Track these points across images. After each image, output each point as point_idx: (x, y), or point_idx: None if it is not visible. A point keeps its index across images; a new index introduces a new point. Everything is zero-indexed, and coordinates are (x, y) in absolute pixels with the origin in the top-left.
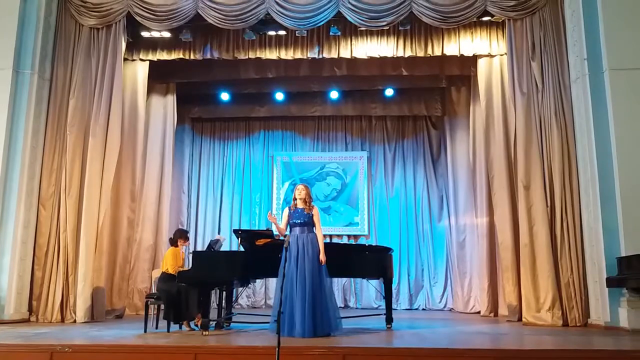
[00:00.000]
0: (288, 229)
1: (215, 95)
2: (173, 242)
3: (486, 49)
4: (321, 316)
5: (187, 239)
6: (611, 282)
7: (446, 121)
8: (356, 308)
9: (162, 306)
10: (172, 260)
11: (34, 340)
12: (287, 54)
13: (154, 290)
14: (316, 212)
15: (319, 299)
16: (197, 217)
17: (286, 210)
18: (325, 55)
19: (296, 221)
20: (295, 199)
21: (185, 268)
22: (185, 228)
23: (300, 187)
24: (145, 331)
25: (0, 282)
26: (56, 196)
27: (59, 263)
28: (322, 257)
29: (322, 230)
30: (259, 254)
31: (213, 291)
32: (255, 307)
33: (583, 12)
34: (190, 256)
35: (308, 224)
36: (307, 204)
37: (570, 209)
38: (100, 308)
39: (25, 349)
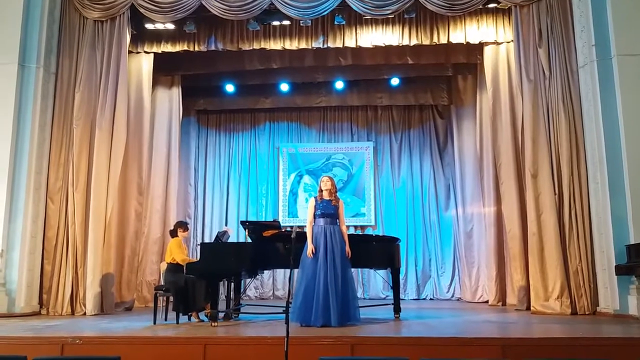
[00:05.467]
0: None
1: (220, 87)
2: (174, 234)
3: (492, 37)
4: (348, 305)
5: (186, 229)
6: (620, 270)
7: (453, 110)
8: (364, 298)
9: (171, 298)
10: (178, 250)
11: (45, 332)
12: (292, 44)
13: (162, 282)
14: (341, 205)
15: (347, 289)
16: (204, 209)
17: (312, 201)
18: (330, 44)
19: (323, 212)
20: (321, 190)
21: (193, 259)
22: (186, 220)
23: (325, 178)
24: (154, 323)
25: (10, 275)
26: (64, 190)
27: (68, 256)
28: (349, 249)
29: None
30: (267, 245)
31: (221, 282)
32: (263, 298)
33: None
34: (198, 248)
35: (333, 215)
36: (334, 195)
37: (578, 197)
38: (110, 300)
39: (36, 342)
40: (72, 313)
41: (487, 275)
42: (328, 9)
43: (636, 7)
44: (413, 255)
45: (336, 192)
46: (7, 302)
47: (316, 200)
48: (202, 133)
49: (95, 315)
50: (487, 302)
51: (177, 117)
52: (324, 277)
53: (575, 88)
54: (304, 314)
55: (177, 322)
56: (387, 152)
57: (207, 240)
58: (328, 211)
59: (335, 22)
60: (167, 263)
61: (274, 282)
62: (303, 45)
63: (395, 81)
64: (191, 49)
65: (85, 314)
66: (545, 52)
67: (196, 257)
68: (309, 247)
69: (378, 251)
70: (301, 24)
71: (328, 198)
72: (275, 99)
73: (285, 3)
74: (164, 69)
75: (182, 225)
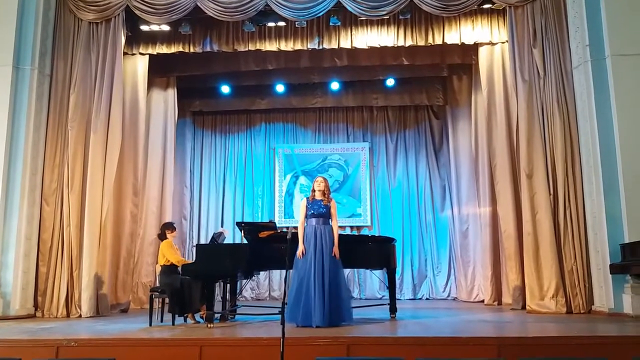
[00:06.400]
0: (305, 220)
1: (215, 88)
2: (162, 237)
3: (487, 37)
4: (337, 306)
5: (174, 229)
6: (615, 269)
7: (448, 110)
8: (360, 298)
9: (167, 299)
10: (170, 251)
11: (40, 335)
12: (287, 45)
13: (158, 284)
14: (334, 205)
15: (338, 289)
16: (200, 211)
17: (304, 201)
18: (326, 46)
19: (314, 212)
20: (314, 190)
21: (188, 261)
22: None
23: (319, 179)
24: (150, 325)
25: (5, 278)
26: (59, 191)
27: (63, 258)
28: (336, 250)
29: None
30: (263, 246)
31: (217, 284)
32: (259, 299)
33: None
34: (194, 249)
35: (325, 215)
36: (326, 196)
37: (573, 196)
38: (105, 302)
39: (32, 344)
40: (68, 315)
41: (483, 275)
42: (323, 10)
43: (630, 7)
44: (409, 255)
45: (329, 192)
46: (1, 304)
47: (308, 201)
48: (198, 134)
49: (90, 317)
50: (482, 301)
51: (173, 119)
52: (313, 278)
53: (570, 88)
54: (296, 314)
55: (173, 324)
56: (382, 152)
57: (202, 241)
58: (319, 211)
59: (331, 23)
60: (161, 265)
61: (270, 282)
62: (298, 46)
63: (390, 82)
64: (186, 51)
65: (80, 316)
66: (539, 53)
67: (191, 259)
68: (300, 247)
69: (374, 252)
70: (296, 25)
71: (320, 198)
72: (270, 100)
73: (281, 4)
74: (159, 70)
75: (169, 227)
